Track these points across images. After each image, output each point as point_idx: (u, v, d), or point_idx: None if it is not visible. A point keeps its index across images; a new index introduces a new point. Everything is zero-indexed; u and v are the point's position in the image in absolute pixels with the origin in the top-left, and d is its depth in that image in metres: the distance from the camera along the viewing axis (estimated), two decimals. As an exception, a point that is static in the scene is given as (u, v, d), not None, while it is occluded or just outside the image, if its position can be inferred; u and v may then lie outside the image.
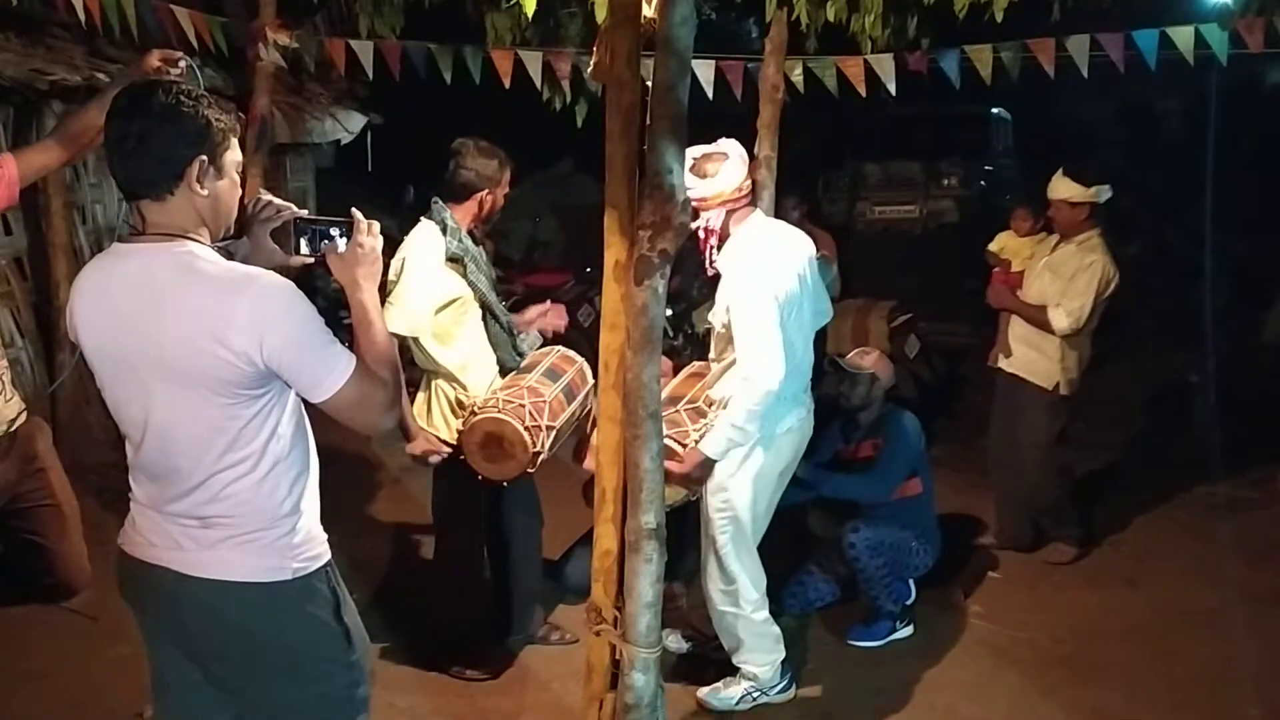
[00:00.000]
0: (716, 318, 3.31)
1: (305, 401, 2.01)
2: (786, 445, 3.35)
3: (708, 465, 3.14)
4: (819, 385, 3.59)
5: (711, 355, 3.44)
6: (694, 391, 3.38)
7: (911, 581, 4.17)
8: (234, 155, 1.99)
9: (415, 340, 3.37)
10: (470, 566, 3.69)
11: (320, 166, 8.67)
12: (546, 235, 10.64)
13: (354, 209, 2.06)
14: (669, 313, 5.86)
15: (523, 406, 3.24)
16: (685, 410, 3.28)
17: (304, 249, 2.06)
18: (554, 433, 3.28)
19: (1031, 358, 4.57)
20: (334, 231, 2.04)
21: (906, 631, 4.07)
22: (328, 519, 2.12)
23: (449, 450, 3.36)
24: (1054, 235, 4.69)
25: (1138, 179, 11.15)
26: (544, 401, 3.29)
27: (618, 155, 2.37)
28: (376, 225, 2.04)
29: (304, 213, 2.11)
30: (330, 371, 1.90)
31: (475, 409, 3.28)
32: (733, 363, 3.17)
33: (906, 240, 11.41)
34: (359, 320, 1.99)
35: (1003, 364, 4.72)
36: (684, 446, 3.13)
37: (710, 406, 3.26)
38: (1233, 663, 3.74)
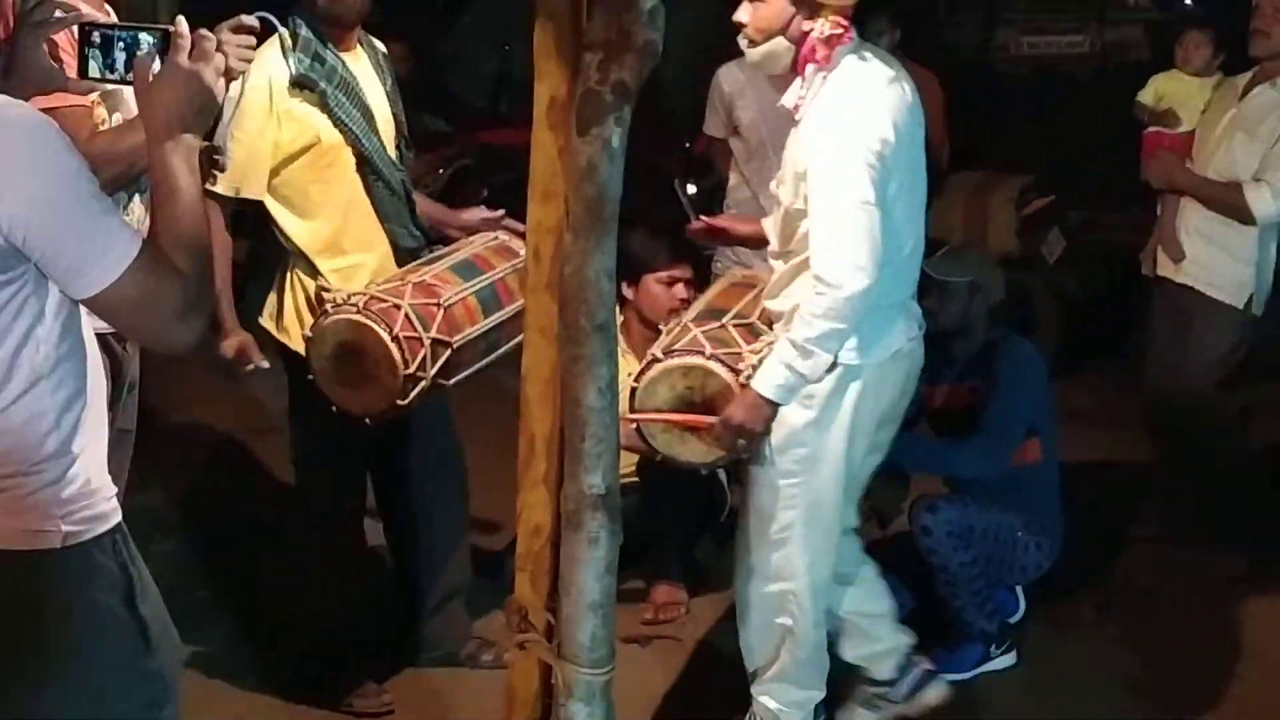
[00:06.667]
0: (783, 190, 3.13)
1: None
2: (892, 378, 3.18)
3: (765, 410, 2.97)
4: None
5: (772, 246, 3.25)
6: (742, 305, 3.25)
7: (1019, 590, 3.96)
8: None
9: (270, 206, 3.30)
10: (349, 547, 3.51)
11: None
12: (521, 72, 9.71)
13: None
14: (692, 189, 5.43)
15: (397, 308, 3.05)
16: (734, 327, 3.15)
17: (94, 68, 1.91)
18: (449, 351, 3.10)
19: (1214, 261, 4.30)
20: (144, 43, 1.88)
21: (1006, 661, 3.83)
22: (142, 470, 2.09)
23: (296, 360, 3.19)
24: (1238, 76, 4.38)
25: None
26: (437, 304, 3.10)
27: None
28: (212, 40, 1.89)
29: (102, 17, 2.04)
30: (102, 254, 1.79)
31: (330, 307, 3.12)
32: (803, 262, 3.02)
33: (1068, 87, 10.37)
34: (159, 184, 1.88)
35: (1167, 272, 4.45)
36: (736, 374, 2.99)
37: (771, 326, 3.14)
38: None
